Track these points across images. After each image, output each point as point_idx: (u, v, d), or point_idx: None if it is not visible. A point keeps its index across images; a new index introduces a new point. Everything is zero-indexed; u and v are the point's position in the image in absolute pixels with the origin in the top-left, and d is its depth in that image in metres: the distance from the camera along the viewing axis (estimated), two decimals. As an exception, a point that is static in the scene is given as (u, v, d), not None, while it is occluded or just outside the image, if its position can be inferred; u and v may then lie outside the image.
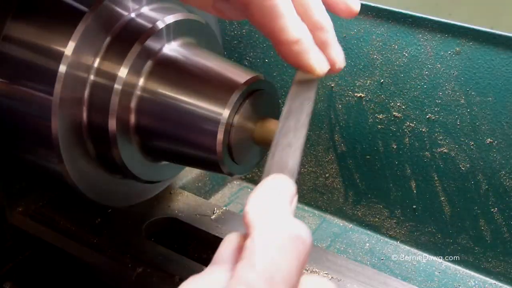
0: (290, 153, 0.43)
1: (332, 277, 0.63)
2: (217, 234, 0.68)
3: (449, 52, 0.69)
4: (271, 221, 0.35)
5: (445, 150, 0.73)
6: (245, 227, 0.36)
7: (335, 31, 0.51)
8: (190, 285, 0.35)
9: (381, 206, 0.81)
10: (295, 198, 0.39)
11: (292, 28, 0.47)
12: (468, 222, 0.75)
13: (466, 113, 0.70)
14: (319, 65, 0.49)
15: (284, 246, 0.33)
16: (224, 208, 0.73)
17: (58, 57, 0.56)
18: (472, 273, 0.76)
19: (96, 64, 0.58)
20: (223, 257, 0.36)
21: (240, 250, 0.36)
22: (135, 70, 0.57)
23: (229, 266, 0.35)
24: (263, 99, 0.57)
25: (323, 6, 0.50)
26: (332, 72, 0.50)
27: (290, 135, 0.45)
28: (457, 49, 0.68)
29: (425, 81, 0.71)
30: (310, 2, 0.49)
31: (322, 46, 0.49)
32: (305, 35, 0.47)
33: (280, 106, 0.59)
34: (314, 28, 0.49)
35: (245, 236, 0.37)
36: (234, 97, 0.54)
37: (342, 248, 0.80)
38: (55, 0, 0.59)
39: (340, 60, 0.51)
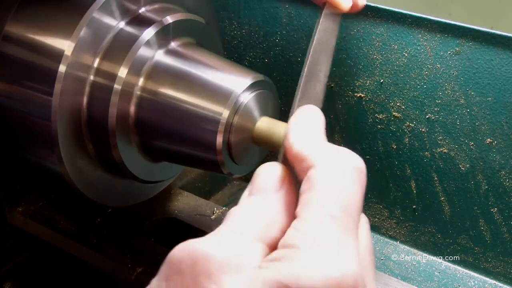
0: (318, 85, 0.46)
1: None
2: (217, 234, 0.68)
3: (448, 52, 0.69)
4: (329, 151, 0.35)
5: (445, 150, 0.73)
6: (292, 159, 0.36)
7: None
8: (237, 218, 0.34)
9: (381, 206, 0.81)
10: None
11: None
12: (468, 222, 0.74)
13: (466, 113, 0.70)
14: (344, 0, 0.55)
15: (350, 176, 0.34)
16: (224, 208, 0.73)
17: (58, 57, 0.56)
18: (472, 273, 0.76)
19: (96, 64, 0.58)
20: (263, 188, 0.36)
21: (284, 180, 0.36)
22: (135, 70, 0.57)
23: (275, 195, 0.35)
24: (263, 99, 0.57)
25: None
26: (355, 9, 0.58)
27: (318, 68, 0.48)
28: (457, 49, 0.68)
29: (425, 81, 0.71)
30: None
31: None
32: None
33: (280, 106, 0.59)
34: None
35: (285, 166, 0.37)
36: (234, 97, 0.54)
37: (342, 248, 0.80)
38: (55, 0, 0.59)
39: None
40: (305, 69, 0.47)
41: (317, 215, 0.32)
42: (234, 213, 0.35)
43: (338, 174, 0.34)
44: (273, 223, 0.34)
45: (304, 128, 0.38)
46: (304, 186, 0.34)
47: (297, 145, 0.36)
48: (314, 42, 0.50)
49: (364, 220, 0.37)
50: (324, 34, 0.52)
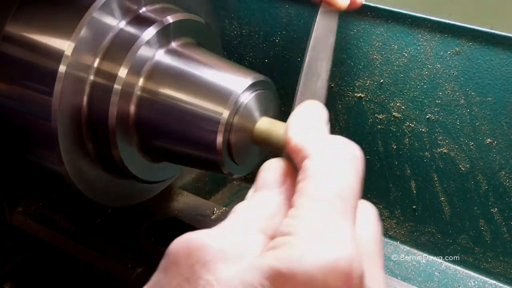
0: (319, 82, 0.46)
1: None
2: (217, 234, 0.68)
3: (448, 52, 0.69)
4: (324, 141, 0.35)
5: (445, 150, 0.73)
6: (291, 152, 0.36)
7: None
8: (241, 212, 0.35)
9: (381, 206, 0.81)
10: (328, 124, 0.39)
11: None
12: (468, 222, 0.74)
13: (466, 113, 0.70)
14: None
15: (344, 163, 0.34)
16: (224, 208, 0.73)
17: (58, 57, 0.56)
18: (472, 273, 0.76)
19: (96, 64, 0.58)
20: (267, 183, 0.36)
21: (286, 174, 0.36)
22: (135, 70, 0.57)
23: (278, 190, 0.36)
24: (263, 99, 0.57)
25: None
26: (353, 6, 0.57)
27: (318, 64, 0.48)
28: (457, 49, 0.68)
29: (425, 81, 0.71)
30: None
31: None
32: None
33: (280, 106, 0.59)
34: None
35: (288, 161, 0.37)
36: (234, 97, 0.54)
37: (342, 248, 0.80)
38: (55, 0, 0.59)
39: None
40: (304, 66, 0.47)
41: (310, 201, 0.32)
42: (237, 207, 0.35)
43: (332, 161, 0.34)
44: (275, 215, 0.34)
45: (303, 121, 0.38)
46: (299, 176, 0.34)
47: (295, 137, 0.36)
48: (311, 39, 0.50)
49: (368, 207, 0.37)
50: (321, 32, 0.52)
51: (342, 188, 0.33)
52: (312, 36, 0.51)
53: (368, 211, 0.37)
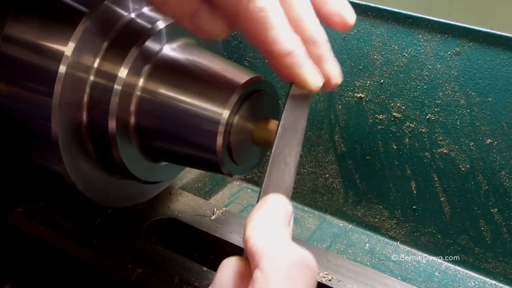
0: (286, 172, 0.44)
1: (332, 278, 0.63)
2: (217, 235, 0.68)
3: (449, 52, 0.69)
4: (278, 250, 0.34)
5: (445, 151, 0.73)
6: (247, 254, 0.35)
7: (335, 37, 0.50)
8: None
9: (381, 207, 0.81)
10: (292, 219, 0.38)
11: (285, 39, 0.44)
12: (468, 222, 0.74)
13: (466, 114, 0.70)
14: (313, 78, 0.46)
15: (294, 276, 0.33)
16: (224, 208, 0.73)
17: (58, 57, 0.56)
18: (472, 273, 0.76)
19: (96, 65, 0.58)
20: (222, 285, 0.36)
21: (241, 276, 0.36)
22: (135, 71, 0.57)
23: None
24: (263, 99, 0.57)
25: (317, 19, 0.47)
26: (327, 88, 0.48)
27: (286, 152, 0.45)
28: (457, 49, 0.68)
29: (425, 81, 0.71)
30: (303, 15, 0.46)
31: (316, 60, 0.46)
32: (298, 47, 0.45)
33: (280, 106, 0.59)
34: (307, 42, 0.46)
35: (244, 261, 0.36)
36: (234, 97, 0.54)
37: (342, 249, 0.80)
38: (55, 0, 0.59)
39: (335, 75, 0.48)
40: (271, 156, 0.44)
41: None
42: None
43: (279, 274, 0.33)
44: None
45: (261, 220, 0.37)
46: (249, 286, 0.33)
47: (250, 242, 0.35)
48: (279, 127, 0.46)
49: None
50: (291, 118, 0.47)
51: None
52: (280, 124, 0.47)
53: None
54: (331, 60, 0.47)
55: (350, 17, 0.47)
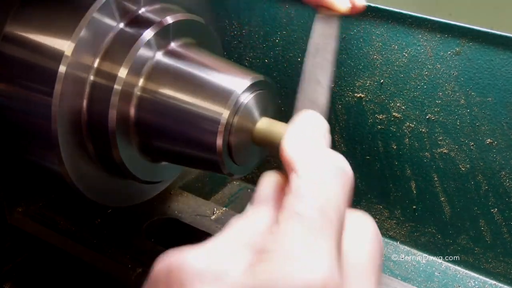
0: (320, 90, 0.45)
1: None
2: (217, 235, 0.68)
3: (449, 52, 0.69)
4: (313, 155, 0.35)
5: (445, 151, 0.73)
6: (284, 164, 0.36)
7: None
8: (234, 227, 0.34)
9: (381, 207, 0.81)
10: (328, 134, 0.39)
11: None
12: (468, 222, 0.74)
13: (466, 114, 0.70)
14: (339, 1, 0.51)
15: (330, 177, 0.34)
16: (224, 208, 0.73)
17: (58, 57, 0.56)
18: (472, 273, 0.76)
19: (96, 64, 0.58)
20: (263, 197, 0.36)
21: (280, 188, 0.36)
22: (135, 71, 0.57)
23: (272, 204, 0.35)
24: (263, 99, 0.57)
25: None
26: (353, 11, 0.52)
27: (318, 72, 0.46)
28: (457, 49, 0.68)
29: (425, 81, 0.71)
30: None
31: None
32: None
33: (280, 106, 0.59)
34: None
35: (284, 174, 0.37)
36: (234, 97, 0.54)
37: (342, 249, 0.80)
38: (55, 0, 0.59)
39: None
40: (304, 74, 0.46)
41: (290, 217, 0.32)
42: (232, 221, 0.35)
43: (315, 175, 0.34)
44: (267, 230, 0.34)
45: (297, 133, 0.38)
46: (286, 191, 0.34)
47: (287, 151, 0.36)
48: (310, 46, 0.49)
49: (365, 221, 0.37)
50: (320, 39, 0.50)
51: (325, 202, 0.32)
52: (311, 43, 0.49)
53: (365, 225, 0.36)
54: None
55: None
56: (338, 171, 0.34)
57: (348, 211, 0.35)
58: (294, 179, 0.34)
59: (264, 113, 0.57)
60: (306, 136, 0.37)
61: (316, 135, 0.38)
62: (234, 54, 0.84)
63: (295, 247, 0.30)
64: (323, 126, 0.39)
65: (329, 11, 0.51)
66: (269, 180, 0.37)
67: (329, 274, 0.30)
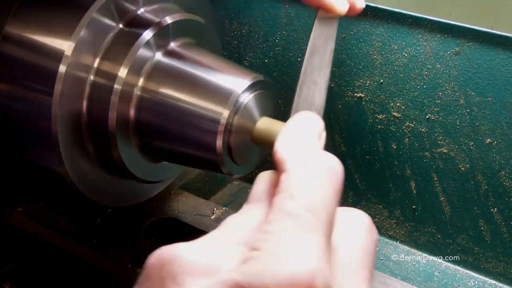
0: (316, 91, 0.45)
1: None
2: (217, 234, 0.68)
3: (448, 52, 0.69)
4: (303, 155, 0.36)
5: (444, 150, 0.73)
6: (276, 164, 0.36)
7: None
8: (228, 224, 0.35)
9: (380, 206, 0.81)
10: (324, 134, 0.39)
11: None
12: (468, 222, 0.74)
13: (466, 113, 0.70)
14: (339, 3, 0.51)
15: (319, 176, 0.34)
16: (224, 208, 0.73)
17: (58, 57, 0.56)
18: (472, 273, 0.76)
19: (96, 64, 0.58)
20: (257, 195, 0.37)
21: (274, 187, 0.36)
22: (135, 70, 0.57)
23: (265, 203, 0.36)
24: (263, 99, 0.57)
25: None
26: (353, 12, 0.53)
27: (315, 73, 0.47)
28: (457, 49, 0.68)
29: (425, 81, 0.71)
30: None
31: None
32: None
33: (280, 106, 0.59)
34: None
35: (278, 173, 0.37)
36: (234, 97, 0.54)
37: (342, 248, 0.80)
38: (55, 0, 0.59)
39: (359, 0, 0.54)
40: (301, 75, 0.46)
41: (279, 215, 0.32)
42: (227, 219, 0.35)
43: (304, 174, 0.34)
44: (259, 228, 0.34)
45: (289, 135, 0.38)
46: (276, 190, 0.34)
47: (279, 152, 0.37)
48: (308, 47, 0.49)
49: (357, 216, 0.37)
50: (319, 40, 0.50)
51: (313, 200, 0.33)
52: (309, 44, 0.49)
53: (358, 221, 0.37)
54: None
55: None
56: (328, 170, 0.35)
57: (341, 208, 0.36)
58: (284, 178, 0.34)
59: (264, 112, 0.57)
60: (298, 137, 0.38)
61: (310, 136, 0.38)
62: (234, 54, 0.84)
63: (282, 243, 0.31)
64: (318, 127, 0.39)
65: (328, 13, 0.52)
66: (263, 179, 0.38)
67: (316, 266, 0.30)
